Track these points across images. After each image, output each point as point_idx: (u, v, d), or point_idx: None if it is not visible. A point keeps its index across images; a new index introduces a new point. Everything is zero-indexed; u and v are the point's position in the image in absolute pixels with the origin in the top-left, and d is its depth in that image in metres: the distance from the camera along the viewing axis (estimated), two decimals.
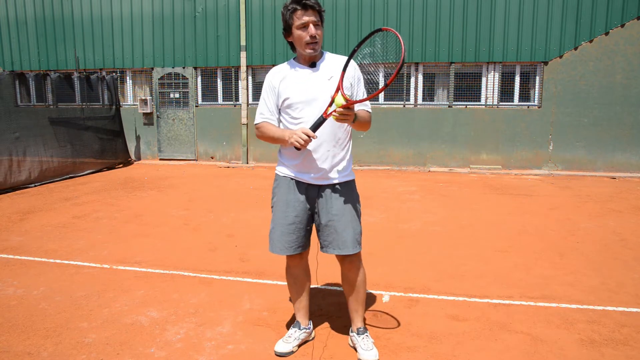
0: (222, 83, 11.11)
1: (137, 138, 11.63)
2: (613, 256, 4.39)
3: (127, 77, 11.63)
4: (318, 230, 2.63)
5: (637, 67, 9.14)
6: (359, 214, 2.62)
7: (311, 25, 2.39)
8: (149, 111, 11.23)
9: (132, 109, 11.53)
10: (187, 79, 11.12)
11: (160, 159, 11.49)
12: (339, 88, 2.32)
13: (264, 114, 2.58)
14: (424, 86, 10.19)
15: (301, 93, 2.47)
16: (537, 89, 9.71)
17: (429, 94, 10.29)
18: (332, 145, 2.50)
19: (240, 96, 10.86)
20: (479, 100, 9.98)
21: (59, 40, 11.63)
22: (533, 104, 9.76)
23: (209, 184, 8.41)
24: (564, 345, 2.78)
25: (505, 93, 9.90)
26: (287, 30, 2.48)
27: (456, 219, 5.79)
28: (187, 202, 6.77)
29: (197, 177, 9.11)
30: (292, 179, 2.59)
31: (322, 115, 2.35)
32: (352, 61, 2.52)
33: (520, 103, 9.84)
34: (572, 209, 6.37)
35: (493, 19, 9.58)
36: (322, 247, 2.62)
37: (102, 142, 10.11)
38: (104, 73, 10.84)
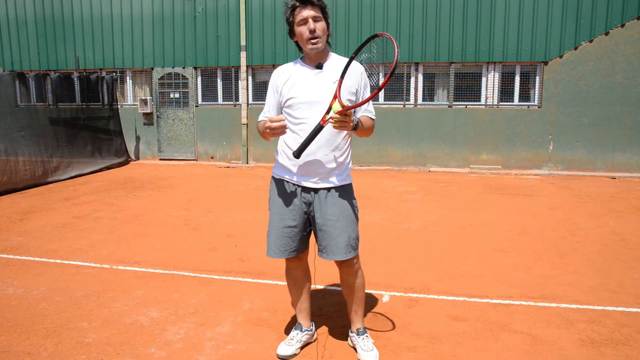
0: (222, 83, 11.10)
1: (137, 138, 11.62)
2: (613, 256, 4.39)
3: (127, 77, 11.62)
4: (315, 234, 2.58)
5: (637, 67, 9.13)
6: (355, 219, 2.56)
7: (310, 20, 2.36)
8: (149, 111, 11.23)
9: (132, 109, 11.52)
10: (187, 79, 11.11)
11: (160, 159, 11.48)
12: (336, 95, 2.27)
13: (266, 113, 2.59)
14: (424, 86, 10.19)
15: (305, 93, 2.43)
16: (537, 89, 9.71)
17: (429, 94, 10.29)
18: (330, 149, 2.45)
19: (240, 96, 10.86)
20: (479, 100, 9.98)
21: (59, 40, 11.63)
22: (533, 104, 9.76)
23: (209, 184, 8.41)
24: (564, 345, 2.78)
25: (505, 93, 9.90)
26: (291, 29, 2.46)
27: (456, 219, 5.79)
28: (187, 202, 6.77)
29: (197, 177, 9.10)
30: (287, 181, 2.54)
31: (319, 123, 2.29)
32: (360, 67, 2.50)
33: (520, 103, 9.84)
34: (572, 209, 6.37)
35: (493, 19, 9.58)
36: (319, 252, 2.59)
37: (102, 142, 10.11)
38: (103, 73, 10.84)
